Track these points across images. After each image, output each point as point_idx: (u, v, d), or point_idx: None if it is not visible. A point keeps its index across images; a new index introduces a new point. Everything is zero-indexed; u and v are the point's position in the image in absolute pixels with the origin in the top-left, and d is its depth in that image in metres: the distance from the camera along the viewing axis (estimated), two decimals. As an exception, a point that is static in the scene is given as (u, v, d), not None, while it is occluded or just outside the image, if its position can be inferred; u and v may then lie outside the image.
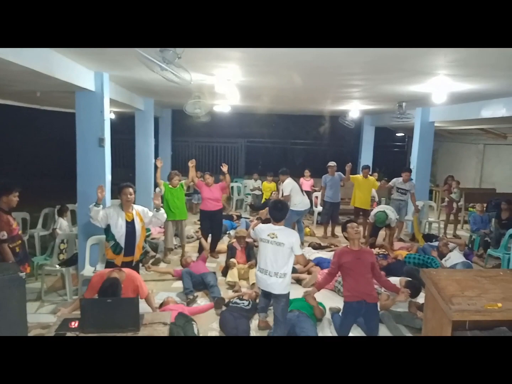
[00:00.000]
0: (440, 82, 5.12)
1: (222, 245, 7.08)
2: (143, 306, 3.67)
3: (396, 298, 4.53)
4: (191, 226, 8.44)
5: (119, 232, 4.17)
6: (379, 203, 9.50)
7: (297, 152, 14.78)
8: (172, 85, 4.24)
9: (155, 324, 3.20)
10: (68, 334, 2.97)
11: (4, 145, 12.75)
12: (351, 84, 5.87)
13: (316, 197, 9.42)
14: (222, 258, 6.45)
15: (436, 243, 6.93)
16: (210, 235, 6.86)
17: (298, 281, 5.65)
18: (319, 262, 6.05)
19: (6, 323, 2.83)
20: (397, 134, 15.32)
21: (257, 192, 10.71)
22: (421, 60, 4.06)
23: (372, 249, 5.89)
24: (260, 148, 14.72)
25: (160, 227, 6.87)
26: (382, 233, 7.47)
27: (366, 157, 12.12)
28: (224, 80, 5.42)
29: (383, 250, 6.89)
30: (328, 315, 4.63)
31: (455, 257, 6.08)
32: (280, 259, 3.68)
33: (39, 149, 13.53)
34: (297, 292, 4.95)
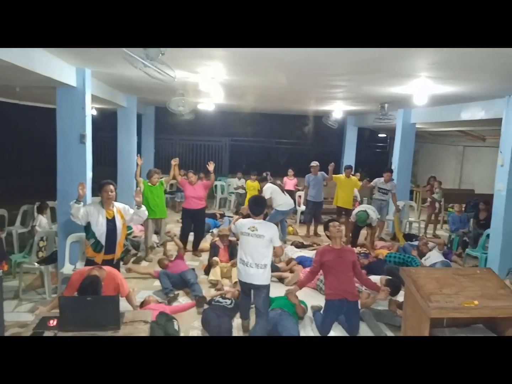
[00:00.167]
0: (421, 84, 5.21)
1: (205, 243, 7.06)
2: (124, 305, 3.64)
3: (377, 296, 4.59)
4: (174, 225, 8.38)
5: (100, 230, 4.11)
6: (361, 202, 9.62)
7: (281, 152, 14.84)
8: (156, 82, 4.20)
9: (136, 323, 3.16)
10: (47, 332, 2.91)
11: (-20, 140, 12.43)
12: (335, 84, 5.93)
13: (300, 196, 9.48)
14: (205, 256, 6.43)
15: (416, 243, 7.05)
16: (193, 233, 6.84)
17: (281, 280, 5.67)
18: (302, 261, 6.08)
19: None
20: (380, 135, 15.53)
21: (241, 191, 10.70)
22: (403, 62, 4.13)
23: (354, 248, 5.96)
24: (244, 147, 14.72)
25: (141, 224, 6.81)
26: (363, 232, 7.56)
27: (349, 157, 12.25)
28: (208, 78, 5.41)
29: (365, 249, 6.98)
30: (309, 313, 4.66)
31: (434, 256, 6.20)
32: (260, 250, 3.80)
33: (17, 145, 13.22)
34: (279, 290, 4.97)
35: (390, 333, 4.26)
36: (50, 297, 4.82)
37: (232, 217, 9.13)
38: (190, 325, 4.28)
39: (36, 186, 9.68)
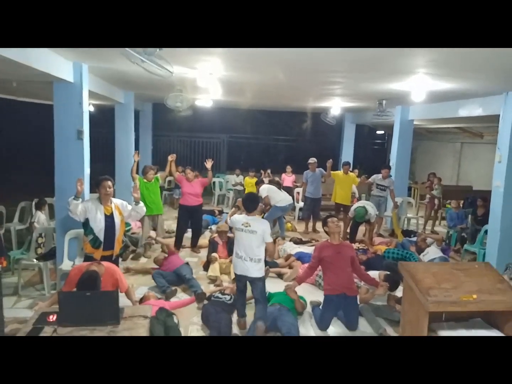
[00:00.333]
0: (419, 80, 5.21)
1: (204, 240, 7.06)
2: (123, 301, 3.63)
3: (375, 292, 4.60)
4: (173, 221, 8.37)
5: (98, 226, 4.10)
6: (359, 199, 9.63)
7: (279, 148, 14.82)
8: (153, 78, 4.20)
9: (135, 318, 3.17)
10: (46, 328, 2.91)
11: (-22, 137, 12.39)
12: (333, 81, 5.92)
13: (298, 193, 9.48)
14: (204, 253, 6.43)
15: (414, 239, 7.07)
16: (190, 230, 6.82)
17: (280, 276, 5.69)
18: (300, 257, 6.09)
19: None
20: (378, 132, 15.53)
21: (239, 188, 10.70)
22: (401, 59, 4.13)
23: (352, 244, 5.97)
24: (242, 144, 14.69)
25: (139, 221, 6.80)
26: (362, 228, 7.57)
27: (347, 153, 12.27)
28: (206, 74, 5.39)
29: (363, 245, 7.01)
30: (308, 308, 4.67)
31: (432, 252, 6.22)
32: (253, 245, 3.93)
33: (14, 142, 13.17)
34: (278, 286, 4.98)
35: (388, 328, 4.28)
36: (49, 293, 4.82)
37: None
38: (189, 320, 4.29)
39: (34, 182, 9.66)
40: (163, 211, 6.72)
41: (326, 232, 4.56)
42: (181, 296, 4.94)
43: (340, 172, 8.36)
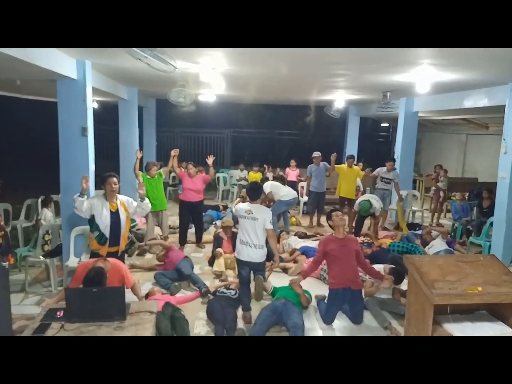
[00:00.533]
0: (423, 71, 5.17)
1: (209, 235, 7.08)
2: (129, 296, 3.66)
3: (380, 285, 4.60)
4: (177, 217, 8.38)
5: (104, 222, 4.13)
6: (364, 192, 9.60)
7: (283, 143, 14.79)
8: (156, 74, 4.20)
9: (142, 313, 3.19)
10: (53, 324, 2.94)
11: (-17, 135, 12.47)
12: (337, 73, 5.89)
13: (302, 187, 9.47)
14: (209, 248, 6.46)
15: (419, 232, 7.05)
16: (193, 226, 6.83)
17: (284, 270, 5.70)
18: (305, 251, 6.09)
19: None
20: (382, 125, 15.45)
21: (243, 183, 10.70)
22: (405, 50, 4.10)
23: (357, 238, 5.97)
24: (246, 139, 14.68)
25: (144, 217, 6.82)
26: (367, 222, 7.56)
27: (351, 147, 12.22)
28: (209, 68, 5.38)
29: (368, 238, 6.99)
30: (314, 302, 4.69)
31: (438, 245, 6.20)
32: (257, 231, 4.12)
33: (19, 139, 13.25)
34: (283, 281, 5.00)
35: (393, 321, 4.28)
36: (56, 289, 4.86)
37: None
38: (195, 315, 4.31)
39: (39, 180, 9.72)
40: (167, 207, 6.73)
41: (330, 226, 4.55)
42: (185, 292, 4.95)
43: (344, 166, 8.33)
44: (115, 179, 4.19)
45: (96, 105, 9.41)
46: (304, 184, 9.28)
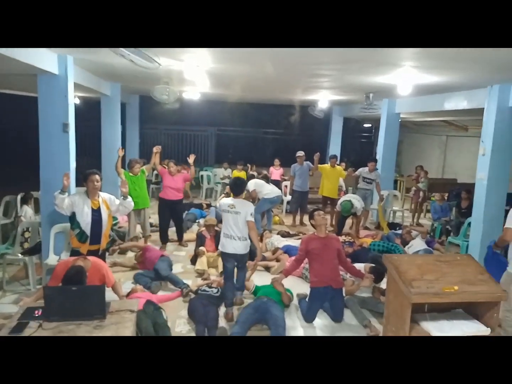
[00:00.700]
0: (405, 73, 5.26)
1: (192, 233, 7.06)
2: (110, 295, 3.63)
3: (361, 284, 4.67)
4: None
5: (85, 220, 4.08)
6: (346, 192, 9.71)
7: (268, 141, 14.81)
8: (140, 70, 4.16)
9: (122, 312, 3.17)
10: (31, 323, 2.90)
11: (-40, 130, 12.14)
12: (320, 73, 5.94)
13: (286, 186, 9.52)
14: (191, 246, 6.43)
15: (400, 231, 7.17)
16: (172, 226, 6.77)
17: (267, 269, 5.73)
18: (288, 250, 6.13)
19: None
20: (365, 125, 15.62)
21: (227, 181, 10.68)
22: (388, 52, 4.16)
23: (339, 237, 6.03)
24: (230, 137, 14.64)
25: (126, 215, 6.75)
26: (349, 221, 7.65)
27: (335, 147, 12.33)
28: (193, 66, 5.35)
29: (349, 237, 7.08)
30: (295, 301, 4.73)
31: (417, 244, 6.31)
32: (239, 225, 4.26)
33: (-2, 135, 12.94)
34: (265, 279, 5.02)
35: (373, 319, 4.35)
36: (35, 288, 4.78)
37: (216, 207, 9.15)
38: (176, 314, 4.30)
39: (18, 176, 9.52)
40: (149, 205, 6.67)
41: (312, 225, 4.60)
42: (166, 292, 4.92)
43: (327, 165, 8.41)
44: (97, 177, 4.14)
45: (78, 101, 9.27)
46: (287, 183, 9.33)
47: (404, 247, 6.39)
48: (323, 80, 6.61)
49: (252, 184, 7.39)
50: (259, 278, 5.11)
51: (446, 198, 8.84)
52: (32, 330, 2.82)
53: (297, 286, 5.10)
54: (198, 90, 8.63)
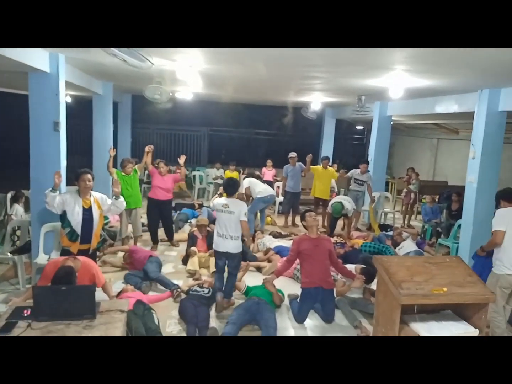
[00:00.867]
0: (397, 76, 5.30)
1: (183, 233, 7.04)
2: (101, 295, 3.61)
3: (352, 284, 4.69)
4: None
5: (76, 219, 4.05)
6: (338, 193, 9.75)
7: (260, 142, 14.82)
8: (132, 69, 4.15)
9: (112, 312, 3.15)
10: (20, 322, 2.87)
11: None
12: (312, 76, 5.96)
13: (278, 187, 9.53)
14: (183, 246, 6.42)
15: (391, 233, 7.22)
16: (162, 226, 6.73)
17: (258, 269, 5.73)
18: (280, 251, 6.14)
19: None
20: (357, 127, 15.70)
21: (220, 181, 10.67)
22: (379, 55, 4.19)
23: (330, 238, 6.06)
24: (223, 137, 14.62)
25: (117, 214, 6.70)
26: (340, 222, 7.69)
27: (327, 148, 12.39)
28: (186, 66, 5.34)
29: (341, 239, 7.11)
30: (286, 301, 4.74)
31: (408, 246, 6.37)
32: (232, 224, 4.35)
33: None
34: (257, 280, 5.03)
35: (363, 320, 4.38)
36: (24, 287, 4.73)
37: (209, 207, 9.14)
38: (167, 314, 4.29)
39: (7, 174, 9.42)
40: (141, 204, 6.63)
41: (304, 226, 4.62)
42: (156, 292, 4.90)
43: (319, 167, 8.45)
44: (89, 176, 4.13)
45: (69, 99, 9.20)
46: (280, 184, 9.35)
47: (395, 248, 6.44)
48: (315, 82, 6.63)
49: (246, 182, 7.41)
50: (250, 279, 5.12)
51: (436, 200, 8.92)
52: (21, 330, 2.80)
53: (288, 286, 5.11)
54: (191, 90, 8.61)
